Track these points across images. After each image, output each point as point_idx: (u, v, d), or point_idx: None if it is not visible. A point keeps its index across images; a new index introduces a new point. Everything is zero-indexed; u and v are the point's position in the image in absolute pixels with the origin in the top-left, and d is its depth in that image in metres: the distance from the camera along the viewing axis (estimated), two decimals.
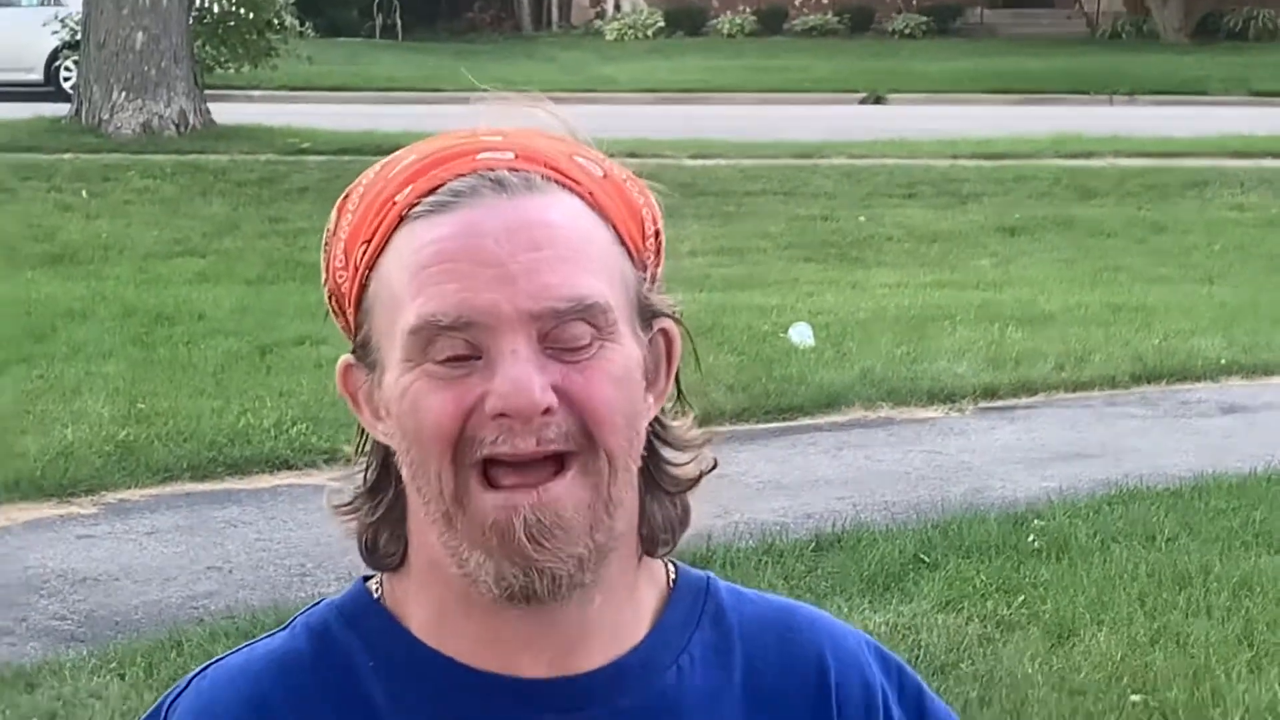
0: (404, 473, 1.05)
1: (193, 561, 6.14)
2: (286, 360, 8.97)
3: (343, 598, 1.16)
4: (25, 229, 13.46)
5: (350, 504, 1.08)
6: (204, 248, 13.15)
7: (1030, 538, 6.30)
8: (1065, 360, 9.32)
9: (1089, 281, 11.92)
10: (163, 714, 1.09)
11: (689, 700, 1.10)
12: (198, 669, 1.14)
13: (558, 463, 0.96)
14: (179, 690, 1.11)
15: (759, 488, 6.42)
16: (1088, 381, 9.10)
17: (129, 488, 6.92)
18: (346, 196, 1.09)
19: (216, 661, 1.13)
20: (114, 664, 5.05)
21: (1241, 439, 8.00)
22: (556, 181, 1.02)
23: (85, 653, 5.17)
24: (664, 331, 1.05)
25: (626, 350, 1.00)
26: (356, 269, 1.06)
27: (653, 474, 1.05)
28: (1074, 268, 12.15)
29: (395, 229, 1.01)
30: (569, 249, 0.99)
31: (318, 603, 1.17)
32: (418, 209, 1.01)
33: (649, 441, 1.04)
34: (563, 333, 0.97)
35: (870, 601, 5.24)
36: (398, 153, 1.10)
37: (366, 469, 1.09)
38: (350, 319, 1.07)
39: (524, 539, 0.96)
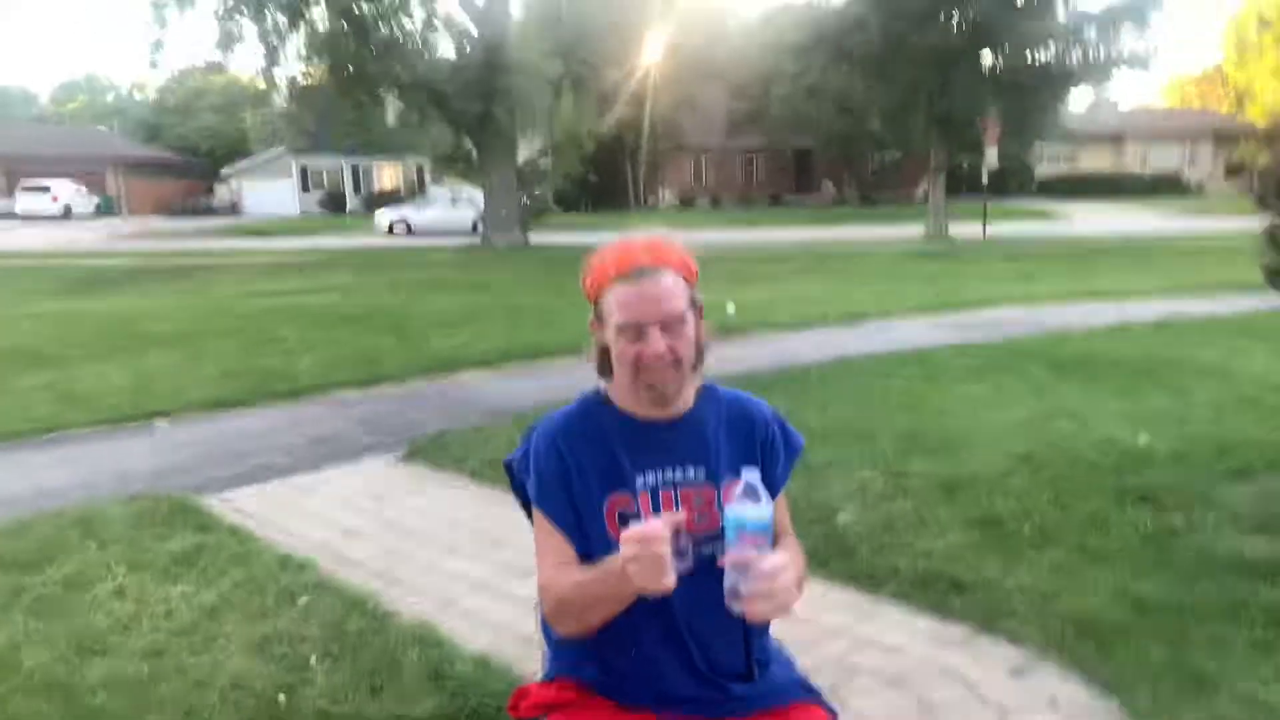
0: (614, 358, 1.51)
1: (532, 389, 6.79)
2: (557, 319, 9.89)
3: (592, 392, 1.60)
4: (464, 277, 15.37)
5: (593, 358, 1.57)
6: (529, 283, 14.64)
7: (814, 376, 6.89)
8: (825, 312, 10.06)
9: (828, 286, 13.35)
10: (533, 432, 1.56)
11: (707, 424, 1.58)
12: (543, 417, 1.60)
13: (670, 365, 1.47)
14: (534, 425, 1.59)
15: (720, 360, 6.71)
16: (831, 321, 9.78)
17: (508, 362, 7.92)
18: (590, 261, 1.49)
19: (548, 415, 1.59)
20: (502, 428, 5.63)
21: (885, 339, 8.70)
22: (666, 266, 1.47)
23: (490, 423, 5.82)
24: (699, 307, 1.53)
25: (690, 325, 1.49)
26: (595, 292, 1.49)
27: (698, 352, 1.52)
28: (815, 285, 13.69)
29: (609, 283, 1.46)
30: (670, 294, 1.46)
31: (584, 394, 1.60)
32: (616, 280, 1.45)
33: (696, 342, 1.51)
34: (670, 325, 1.45)
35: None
36: (608, 247, 1.48)
37: (598, 346, 1.55)
38: (593, 306, 1.51)
39: (659, 386, 1.49)
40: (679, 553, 1.33)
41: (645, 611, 1.40)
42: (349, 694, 2.76)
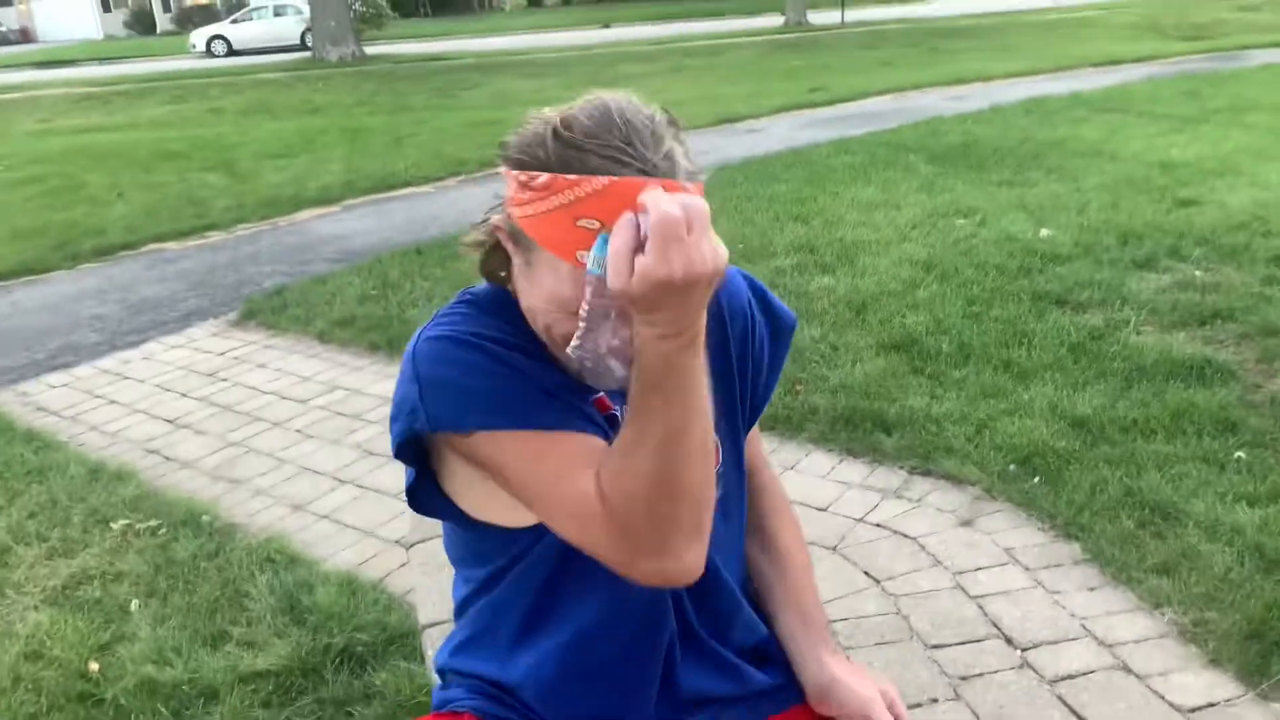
0: (522, 294, 0.88)
1: (380, 226, 6.10)
2: (403, 142, 9.12)
3: (482, 291, 0.96)
4: (295, 99, 13.90)
5: (474, 245, 0.92)
6: (368, 101, 13.57)
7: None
8: (695, 115, 9.28)
9: (695, 87, 12.87)
10: (417, 354, 0.90)
11: None
12: (425, 335, 0.91)
13: None
14: (414, 353, 0.90)
15: None
16: (703, 125, 9.15)
17: (351, 196, 7.05)
18: (581, 180, 0.77)
19: (433, 327, 0.91)
20: (350, 277, 5.00)
21: (760, 141, 8.14)
22: None
23: (335, 271, 5.13)
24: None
25: None
26: (562, 233, 0.79)
27: None
28: (681, 86, 13.55)
29: (571, 245, 0.79)
30: None
31: (473, 293, 0.95)
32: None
33: None
34: None
35: None
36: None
37: (488, 243, 0.90)
38: (528, 218, 0.81)
39: (605, 379, 0.86)
40: None
41: (629, 598, 0.93)
42: (181, 648, 2.18)
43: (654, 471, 0.80)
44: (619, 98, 0.84)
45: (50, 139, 11.58)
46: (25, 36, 41.26)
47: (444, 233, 5.70)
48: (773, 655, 1.11)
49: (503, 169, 0.84)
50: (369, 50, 21.63)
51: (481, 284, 0.98)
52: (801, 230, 5.18)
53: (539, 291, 0.86)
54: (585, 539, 0.85)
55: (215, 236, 6.34)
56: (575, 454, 0.86)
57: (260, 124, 11.71)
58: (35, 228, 6.68)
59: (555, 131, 0.80)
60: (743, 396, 1.05)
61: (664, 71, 15.11)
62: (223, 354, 4.16)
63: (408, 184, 7.32)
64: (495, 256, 0.92)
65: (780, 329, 1.09)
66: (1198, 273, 4.17)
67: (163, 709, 1.97)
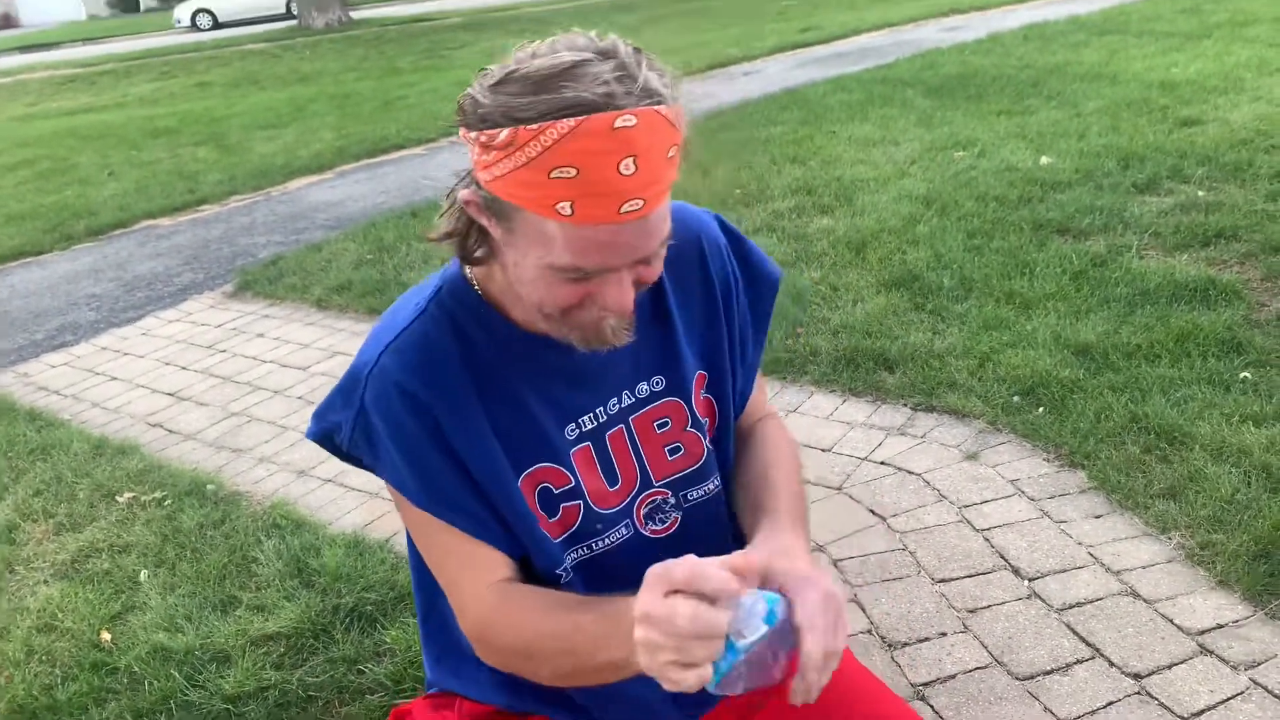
0: (510, 271, 0.82)
1: (372, 191, 6.02)
2: (393, 105, 9.01)
3: (452, 289, 0.90)
4: (284, 69, 13.74)
5: (444, 237, 0.86)
6: (357, 67, 13.36)
7: (689, 134, 6.62)
8: (687, 62, 9.07)
9: (684, 34, 13.00)
10: (365, 376, 0.87)
11: (652, 294, 0.94)
12: (375, 340, 0.89)
13: None
14: (362, 365, 0.88)
15: None
16: (695, 71, 8.76)
17: (343, 162, 6.93)
18: (513, 132, 0.72)
19: (384, 335, 0.88)
20: (345, 244, 4.94)
21: (756, 84, 7.98)
22: (666, 191, 0.78)
23: (330, 238, 5.08)
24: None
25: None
26: (515, 178, 0.73)
27: None
28: (670, 33, 12.65)
29: (550, 208, 0.74)
30: (662, 224, 0.80)
31: (437, 290, 0.90)
32: (575, 218, 0.74)
33: None
34: (651, 256, 0.81)
35: None
36: (574, 132, 0.70)
37: (458, 219, 0.85)
38: (498, 180, 0.75)
39: (604, 341, 0.83)
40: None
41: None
42: (192, 615, 2.20)
43: (538, 667, 0.88)
44: (560, 36, 0.79)
45: (38, 122, 11.49)
46: (8, 22, 40.79)
47: (438, 194, 5.58)
48: None
49: (460, 133, 0.78)
50: (355, 15, 21.41)
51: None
52: (799, 172, 5.10)
53: (528, 262, 0.80)
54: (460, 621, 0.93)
55: (208, 210, 6.29)
56: (476, 565, 0.89)
57: (249, 95, 11.59)
58: (27, 211, 6.64)
59: (505, 79, 0.74)
60: (731, 341, 1.01)
61: (649, 20, 14.83)
62: (220, 326, 4.14)
63: (400, 147, 7.25)
64: (472, 237, 0.86)
65: (758, 279, 1.03)
66: (1200, 193, 4.11)
67: (176, 674, 1.99)
